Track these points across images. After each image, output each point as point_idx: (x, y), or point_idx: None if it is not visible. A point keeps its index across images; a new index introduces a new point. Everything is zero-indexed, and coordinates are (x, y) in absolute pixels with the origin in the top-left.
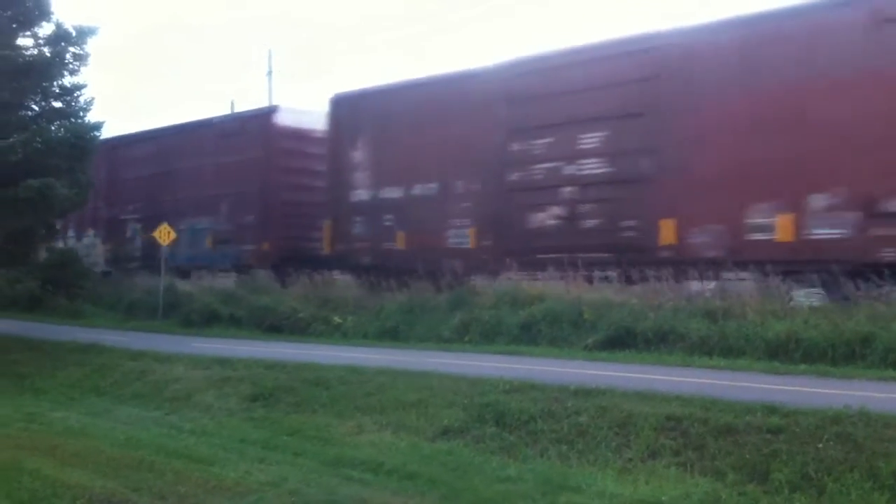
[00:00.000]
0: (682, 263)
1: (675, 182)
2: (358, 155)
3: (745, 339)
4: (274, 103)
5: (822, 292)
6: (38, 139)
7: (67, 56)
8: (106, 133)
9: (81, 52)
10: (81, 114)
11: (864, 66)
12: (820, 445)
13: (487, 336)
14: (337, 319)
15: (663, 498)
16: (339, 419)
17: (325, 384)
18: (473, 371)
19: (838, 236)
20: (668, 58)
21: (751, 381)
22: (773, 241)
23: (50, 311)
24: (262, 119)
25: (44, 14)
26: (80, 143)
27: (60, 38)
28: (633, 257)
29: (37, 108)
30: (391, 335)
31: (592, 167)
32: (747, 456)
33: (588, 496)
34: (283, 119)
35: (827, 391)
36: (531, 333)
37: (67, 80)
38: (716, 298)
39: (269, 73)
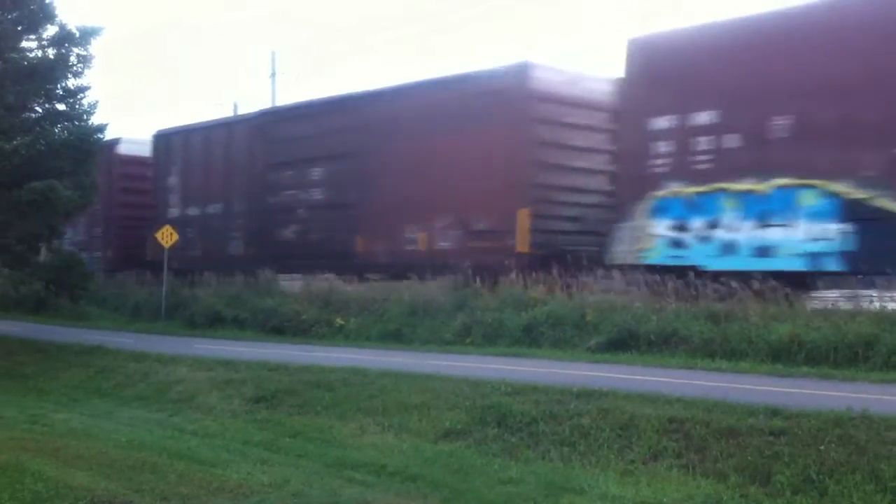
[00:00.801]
0: (367, 267)
1: (364, 209)
2: (172, 180)
3: (748, 341)
4: (118, 136)
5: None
6: (41, 141)
7: (71, 58)
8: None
9: (85, 53)
10: (85, 116)
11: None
12: (822, 448)
13: (490, 338)
14: (340, 321)
15: (665, 500)
16: (341, 421)
17: (328, 386)
18: (476, 373)
19: (450, 246)
20: (364, 113)
21: (753, 383)
22: (417, 250)
23: (54, 312)
24: (105, 149)
25: (48, 16)
26: (84, 145)
27: (64, 40)
28: (342, 263)
29: (40, 111)
30: (394, 337)
31: (318, 195)
32: (749, 458)
33: (590, 498)
34: (125, 149)
35: (829, 393)
36: (533, 335)
37: (71, 83)
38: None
39: (273, 75)
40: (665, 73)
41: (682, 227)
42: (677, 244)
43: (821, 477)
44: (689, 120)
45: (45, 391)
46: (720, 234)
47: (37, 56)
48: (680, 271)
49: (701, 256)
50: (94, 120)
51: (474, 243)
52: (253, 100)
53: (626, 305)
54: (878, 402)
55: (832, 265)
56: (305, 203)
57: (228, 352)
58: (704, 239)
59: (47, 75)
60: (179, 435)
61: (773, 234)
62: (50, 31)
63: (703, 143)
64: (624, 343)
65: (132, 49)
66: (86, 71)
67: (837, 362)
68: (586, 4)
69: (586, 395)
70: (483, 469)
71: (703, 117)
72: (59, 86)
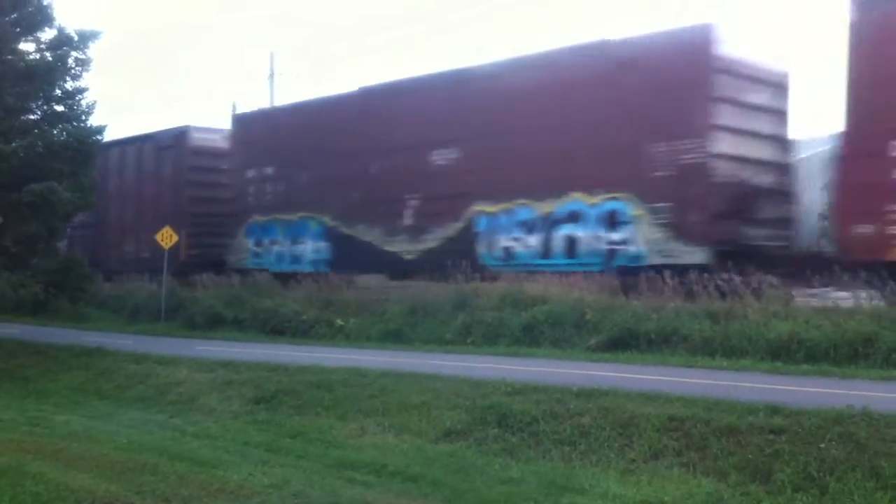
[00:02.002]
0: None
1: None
2: (253, 172)
3: (748, 339)
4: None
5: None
6: (40, 143)
7: (70, 60)
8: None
9: (84, 56)
10: (84, 118)
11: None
12: (822, 445)
13: (490, 338)
14: (339, 322)
15: (666, 498)
16: (341, 421)
17: (328, 387)
18: (476, 373)
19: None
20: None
21: (753, 381)
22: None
23: (54, 314)
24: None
25: (46, 19)
26: (83, 147)
27: (63, 43)
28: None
29: (39, 113)
30: (394, 337)
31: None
32: (750, 456)
33: (591, 497)
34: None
35: (829, 391)
36: (534, 335)
37: (70, 85)
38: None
39: (271, 76)
40: (251, 139)
41: (259, 244)
42: (257, 255)
43: (821, 475)
44: (262, 171)
45: (45, 393)
46: (276, 248)
47: (35, 58)
48: (260, 273)
49: (268, 263)
50: (93, 121)
51: None
52: (251, 101)
53: (625, 304)
54: (878, 400)
55: (323, 268)
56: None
57: (228, 353)
58: (269, 251)
59: (46, 77)
60: (180, 436)
61: (299, 248)
62: (48, 34)
63: (268, 187)
64: (624, 342)
65: (130, 49)
66: (84, 74)
67: (837, 360)
68: (586, 4)
69: (586, 394)
70: (484, 469)
71: (269, 170)
72: (57, 88)
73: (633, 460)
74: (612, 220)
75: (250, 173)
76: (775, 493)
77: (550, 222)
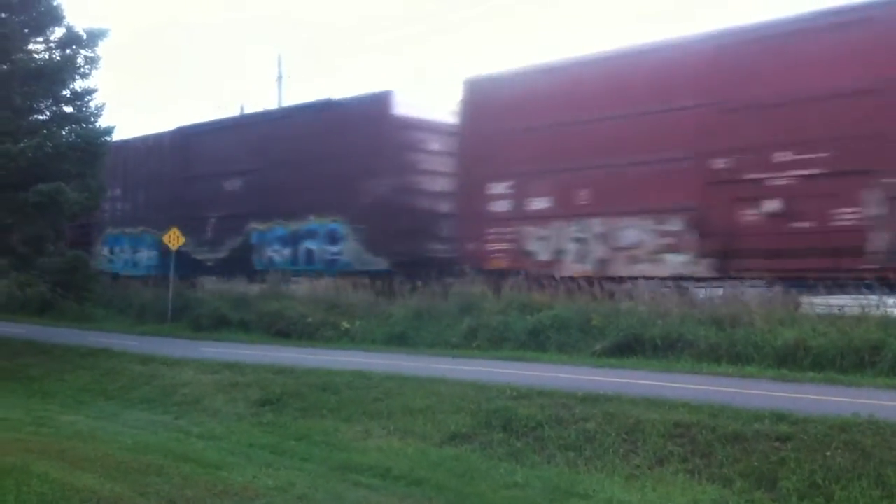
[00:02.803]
0: None
1: None
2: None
3: (754, 346)
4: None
5: None
6: (48, 144)
7: (78, 60)
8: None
9: (92, 55)
10: (92, 118)
11: None
12: (828, 453)
13: (495, 342)
14: (345, 324)
15: None
16: (346, 424)
17: (333, 389)
18: (481, 377)
19: None
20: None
21: (759, 388)
22: None
23: (60, 314)
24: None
25: (55, 19)
26: (91, 147)
27: (71, 42)
28: None
29: (48, 113)
30: (399, 340)
31: None
32: (755, 463)
33: (596, 502)
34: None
35: (835, 399)
36: (539, 339)
37: (78, 85)
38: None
39: (279, 78)
40: (109, 164)
41: (111, 251)
42: (110, 260)
43: (827, 482)
44: (114, 192)
45: (50, 393)
46: (123, 255)
47: (44, 58)
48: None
49: (117, 267)
50: (101, 122)
51: None
52: (255, 100)
53: (631, 310)
54: (884, 408)
55: (153, 272)
56: None
57: (234, 355)
58: (118, 258)
59: (54, 77)
60: (185, 438)
61: (137, 256)
62: (57, 33)
63: (118, 206)
64: (629, 347)
65: (133, 48)
66: (93, 73)
67: (843, 367)
68: (586, 4)
69: (592, 399)
70: (488, 473)
71: (118, 192)
72: (66, 88)
73: (638, 466)
74: (333, 237)
75: (108, 193)
76: (780, 501)
77: (297, 238)
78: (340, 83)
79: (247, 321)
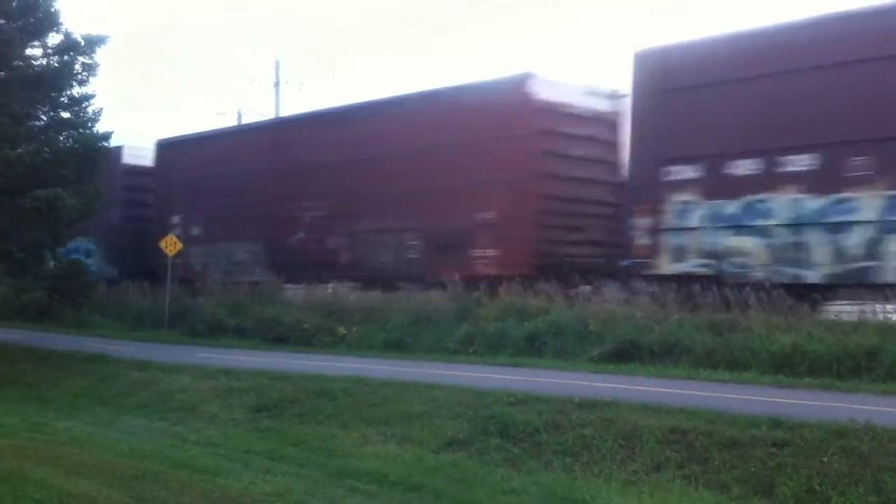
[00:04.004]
0: None
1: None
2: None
3: (751, 352)
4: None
5: None
6: (46, 149)
7: (76, 66)
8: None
9: (91, 61)
10: (90, 124)
11: None
12: (825, 459)
13: (492, 348)
14: (342, 330)
15: None
16: (343, 430)
17: (330, 395)
18: (478, 383)
19: None
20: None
21: (756, 394)
22: None
23: (57, 321)
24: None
25: (53, 24)
26: (89, 153)
27: (69, 48)
28: None
29: (45, 119)
30: (396, 346)
31: None
32: (752, 469)
33: None
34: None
35: (832, 405)
36: (536, 345)
37: (76, 91)
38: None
39: (276, 84)
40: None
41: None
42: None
43: (824, 488)
44: None
45: (47, 399)
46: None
47: (42, 64)
48: None
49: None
50: (99, 128)
51: None
52: (254, 103)
53: (628, 315)
54: (881, 414)
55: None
56: None
57: (231, 361)
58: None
59: (52, 83)
60: (181, 444)
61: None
62: (55, 39)
63: None
64: (626, 353)
65: (132, 49)
66: (91, 79)
67: (840, 373)
68: (585, 4)
69: (589, 405)
70: (485, 479)
71: None
72: (64, 94)
73: (636, 472)
74: (88, 253)
75: None
76: None
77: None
78: (341, 83)
79: (243, 327)
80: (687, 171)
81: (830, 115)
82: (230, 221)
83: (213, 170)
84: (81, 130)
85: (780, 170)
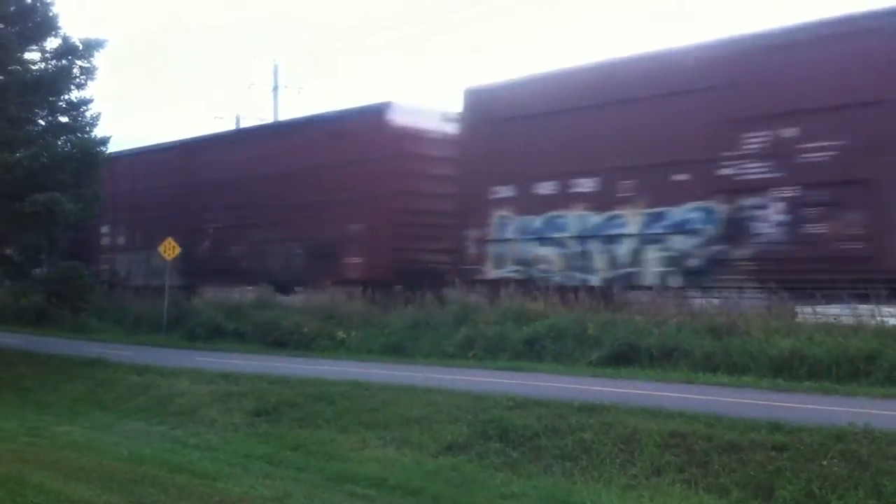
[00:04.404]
0: None
1: None
2: None
3: (750, 355)
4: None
5: None
6: (44, 154)
7: (74, 70)
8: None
9: (89, 65)
10: (88, 129)
11: None
12: (824, 463)
13: (492, 352)
14: (341, 334)
15: None
16: (343, 434)
17: (329, 399)
18: (477, 387)
19: None
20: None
21: (755, 397)
22: None
23: (55, 325)
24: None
25: (51, 28)
26: (87, 157)
27: (67, 52)
28: None
29: (43, 123)
30: (395, 350)
31: None
32: (752, 473)
33: None
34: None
35: (831, 408)
36: (535, 349)
37: (74, 95)
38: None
39: (275, 88)
40: None
41: None
42: None
43: (823, 492)
44: None
45: (45, 403)
46: None
47: (40, 68)
48: None
49: None
50: (97, 132)
51: None
52: (253, 107)
53: (627, 319)
54: (880, 417)
55: None
56: None
57: (229, 365)
58: None
59: (50, 88)
60: (180, 448)
61: None
62: (53, 43)
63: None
64: (625, 357)
65: (131, 52)
66: (89, 83)
67: (839, 377)
68: (586, 4)
69: (588, 409)
70: (485, 483)
71: None
72: (62, 98)
73: (635, 476)
74: None
75: None
76: None
77: None
78: (341, 83)
79: (242, 331)
80: (505, 191)
81: (606, 146)
82: (149, 232)
83: (135, 185)
84: (79, 135)
85: (572, 191)
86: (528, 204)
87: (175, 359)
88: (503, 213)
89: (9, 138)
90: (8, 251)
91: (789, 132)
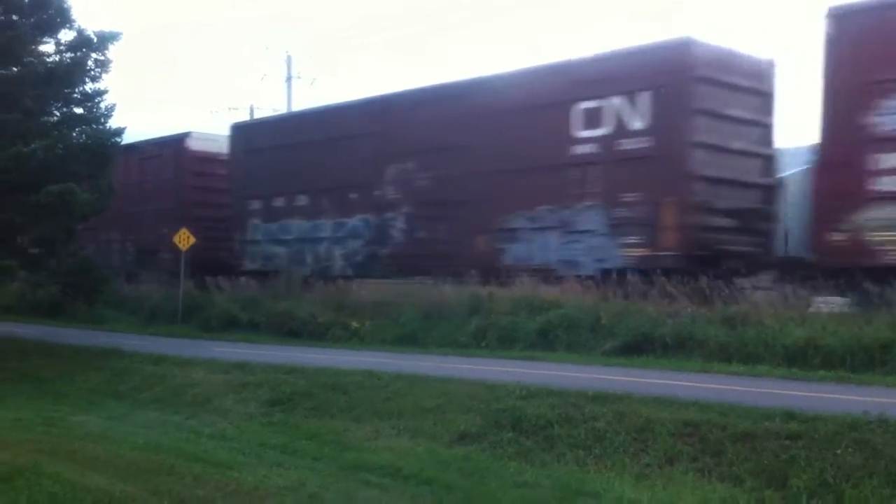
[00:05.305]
0: None
1: None
2: None
3: (764, 345)
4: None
5: None
6: (59, 145)
7: (89, 62)
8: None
9: (103, 57)
10: (102, 120)
11: None
12: (838, 452)
13: (505, 341)
14: (355, 325)
15: None
16: (356, 424)
17: (343, 389)
18: (490, 376)
19: None
20: None
21: (769, 387)
22: None
23: (71, 316)
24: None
25: (65, 21)
26: (102, 149)
27: (82, 45)
28: None
29: (58, 115)
30: (409, 340)
31: None
32: (765, 462)
33: (605, 502)
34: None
35: (846, 397)
36: (548, 339)
37: (89, 87)
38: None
39: (289, 79)
40: None
41: None
42: None
43: (837, 481)
44: None
45: (61, 394)
46: None
47: (54, 60)
48: None
49: None
50: (112, 123)
51: None
52: (260, 101)
53: (641, 309)
54: (894, 406)
55: None
56: None
57: (244, 355)
58: None
59: (65, 80)
60: (196, 438)
61: None
62: (67, 35)
63: None
64: (639, 347)
65: (137, 47)
66: (103, 75)
67: (854, 366)
68: (586, 4)
69: (601, 398)
70: (498, 472)
71: None
72: (76, 90)
73: (648, 465)
74: None
75: None
76: (791, 499)
77: None
78: (341, 83)
79: (257, 322)
80: (255, 204)
81: (313, 172)
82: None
83: None
84: (94, 126)
85: (294, 205)
86: (270, 214)
87: (190, 349)
88: (255, 220)
89: (24, 130)
90: (23, 243)
91: (409, 166)
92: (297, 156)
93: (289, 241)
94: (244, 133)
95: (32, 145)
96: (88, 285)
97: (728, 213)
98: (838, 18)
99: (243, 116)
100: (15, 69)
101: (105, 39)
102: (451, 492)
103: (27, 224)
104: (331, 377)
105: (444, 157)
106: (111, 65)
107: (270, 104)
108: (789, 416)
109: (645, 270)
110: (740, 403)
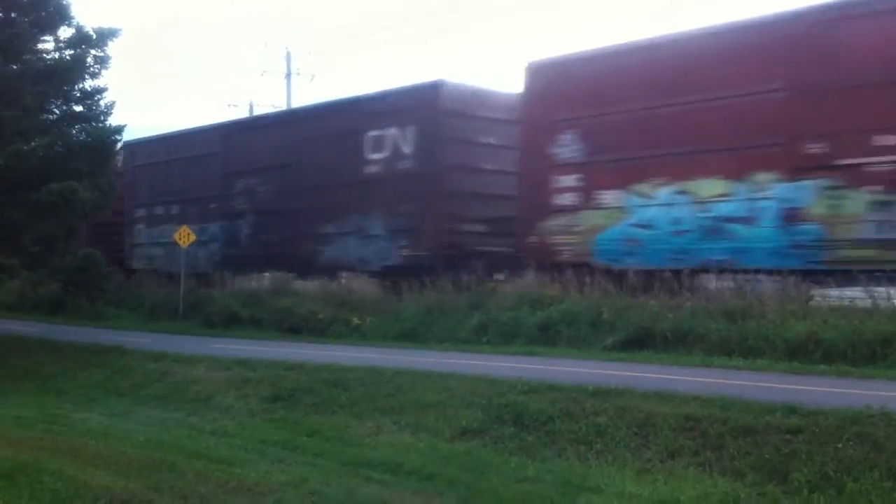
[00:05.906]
0: None
1: None
2: None
3: (765, 339)
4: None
5: None
6: (59, 143)
7: (88, 59)
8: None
9: (102, 54)
10: (102, 117)
11: None
12: (840, 445)
13: (506, 337)
14: (356, 321)
15: (682, 498)
16: (358, 420)
17: (345, 385)
18: (492, 372)
19: None
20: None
21: (770, 381)
22: None
23: (72, 313)
24: None
25: (64, 17)
26: (102, 146)
27: (81, 41)
28: None
29: (58, 112)
30: (410, 336)
31: None
32: (766, 456)
33: (607, 497)
34: None
35: (847, 391)
36: (550, 334)
37: (88, 84)
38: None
39: (288, 75)
40: None
41: None
42: None
43: (838, 475)
44: None
45: (63, 391)
46: None
47: (54, 58)
48: None
49: None
50: (112, 121)
51: None
52: (259, 98)
53: (642, 304)
54: None
55: None
56: None
57: (245, 351)
58: None
59: (65, 77)
60: (197, 434)
61: None
62: (66, 32)
63: None
64: (640, 341)
65: (135, 46)
66: (103, 72)
67: (855, 360)
68: (586, 4)
69: (603, 393)
70: (499, 468)
71: None
72: (76, 87)
73: (650, 460)
74: None
75: None
76: (792, 494)
77: None
78: (340, 83)
79: (258, 318)
80: (141, 212)
81: (181, 186)
82: None
83: None
84: (94, 124)
85: (170, 213)
86: (151, 221)
87: (191, 346)
88: (140, 226)
89: (23, 128)
90: (24, 241)
91: (252, 181)
92: (170, 171)
93: (165, 243)
94: (133, 150)
95: (32, 143)
96: (90, 282)
97: (482, 220)
98: (532, 71)
99: (243, 113)
100: (14, 66)
101: (104, 36)
102: (452, 487)
103: (28, 222)
104: (332, 373)
105: (279, 174)
106: (110, 61)
107: (270, 101)
108: (790, 410)
109: (412, 267)
110: (741, 398)
